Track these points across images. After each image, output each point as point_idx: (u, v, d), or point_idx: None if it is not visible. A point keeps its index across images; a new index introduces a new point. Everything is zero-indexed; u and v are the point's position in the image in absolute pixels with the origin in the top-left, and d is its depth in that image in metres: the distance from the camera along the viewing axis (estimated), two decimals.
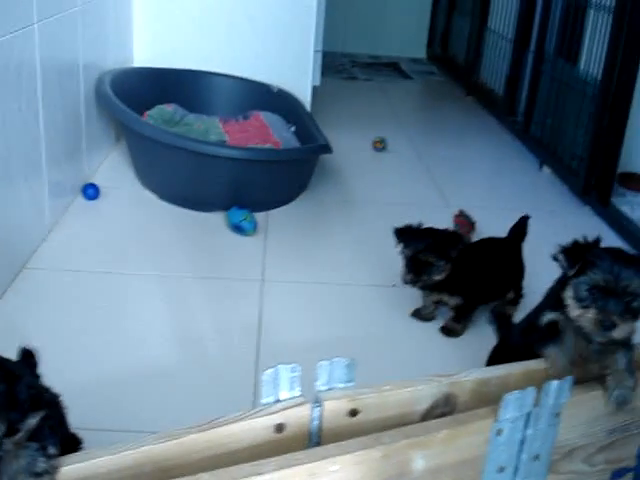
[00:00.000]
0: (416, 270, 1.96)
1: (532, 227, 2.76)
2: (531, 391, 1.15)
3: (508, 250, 2.15)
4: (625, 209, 3.04)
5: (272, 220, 2.65)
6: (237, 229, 2.50)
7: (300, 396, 1.13)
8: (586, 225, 2.87)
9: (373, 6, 6.06)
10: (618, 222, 2.83)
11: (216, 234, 2.51)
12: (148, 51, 3.48)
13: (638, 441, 1.39)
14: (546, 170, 3.47)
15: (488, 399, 1.22)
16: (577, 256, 1.32)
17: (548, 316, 1.37)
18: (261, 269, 2.29)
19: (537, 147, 3.59)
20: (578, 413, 1.26)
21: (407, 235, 1.99)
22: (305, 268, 2.35)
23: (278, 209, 2.75)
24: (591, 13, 3.12)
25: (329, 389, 1.15)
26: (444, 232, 2.02)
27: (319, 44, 3.70)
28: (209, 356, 1.85)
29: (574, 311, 1.30)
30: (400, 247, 2.00)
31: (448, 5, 5.74)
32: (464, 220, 2.67)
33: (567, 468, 1.31)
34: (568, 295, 1.31)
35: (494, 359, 1.64)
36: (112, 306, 2.05)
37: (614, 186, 3.13)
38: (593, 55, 3.02)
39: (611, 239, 2.75)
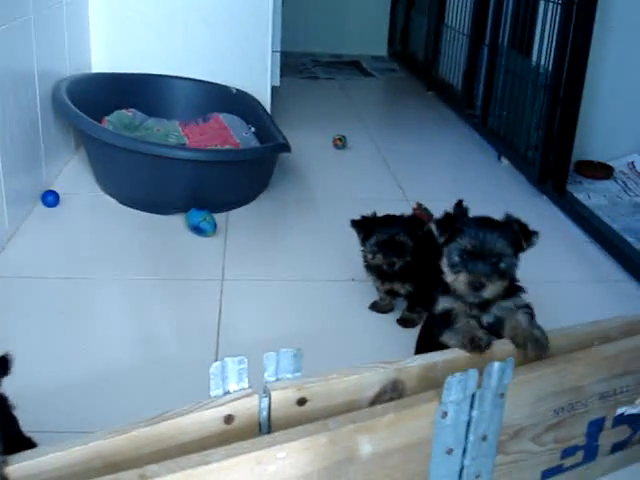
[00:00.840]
0: (388, 253, 2.01)
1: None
2: (473, 373, 1.18)
3: None
4: (582, 197, 3.10)
5: (232, 220, 2.67)
6: (196, 230, 2.51)
7: (248, 387, 1.16)
8: (543, 214, 2.93)
9: (334, 5, 6.10)
10: (574, 209, 2.88)
11: (176, 236, 2.52)
12: (106, 56, 3.48)
13: (586, 420, 1.43)
14: (504, 161, 3.52)
15: (435, 384, 1.25)
16: (447, 225, 1.45)
17: (442, 304, 1.46)
18: (221, 269, 2.31)
19: (495, 139, 3.64)
20: (523, 393, 1.29)
21: (373, 222, 2.05)
22: (265, 266, 2.37)
23: (238, 209, 2.76)
24: (541, 4, 3.18)
25: (277, 379, 1.18)
26: (406, 216, 2.11)
27: (277, 44, 3.73)
28: (169, 356, 1.86)
29: (449, 276, 1.42)
30: (362, 236, 2.06)
31: (407, 2, 5.80)
32: (422, 213, 2.69)
33: (516, 448, 1.34)
34: (443, 262, 1.43)
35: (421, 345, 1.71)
36: (73, 311, 2.05)
37: (570, 174, 3.19)
38: (544, 46, 3.08)
39: (567, 226, 2.81)
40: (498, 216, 1.50)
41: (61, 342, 1.91)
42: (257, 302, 2.16)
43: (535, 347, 1.35)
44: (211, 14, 3.45)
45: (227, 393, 1.15)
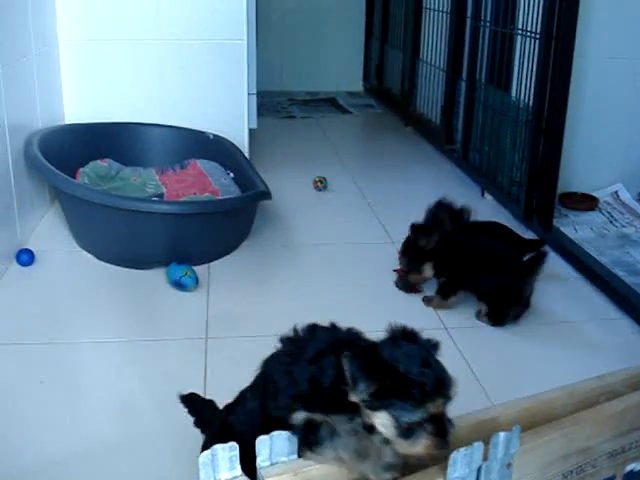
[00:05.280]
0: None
1: None
2: (478, 446, 1.11)
3: None
4: (568, 230, 3.06)
5: (214, 272, 2.59)
6: (178, 285, 2.43)
7: (241, 475, 1.08)
8: None
9: (308, 42, 6.09)
10: (561, 245, 2.83)
11: (157, 292, 2.44)
12: (80, 107, 3.42)
13: None
14: (488, 197, 3.48)
15: (439, 454, 1.18)
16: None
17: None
18: (204, 326, 2.23)
19: (477, 175, 3.60)
20: (530, 461, 1.22)
21: None
22: (250, 320, 2.29)
23: (220, 260, 2.68)
24: (518, 40, 3.15)
25: (271, 464, 1.11)
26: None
27: (253, 87, 3.68)
28: (153, 427, 1.76)
29: None
30: None
31: (381, 37, 5.79)
32: None
33: None
34: None
35: None
36: (52, 380, 1.96)
37: (556, 208, 3.14)
38: (524, 81, 3.05)
39: (556, 263, 2.76)
40: None
41: (39, 414, 1.81)
42: (244, 361, 2.04)
43: None
44: (186, 61, 3.41)
45: None
